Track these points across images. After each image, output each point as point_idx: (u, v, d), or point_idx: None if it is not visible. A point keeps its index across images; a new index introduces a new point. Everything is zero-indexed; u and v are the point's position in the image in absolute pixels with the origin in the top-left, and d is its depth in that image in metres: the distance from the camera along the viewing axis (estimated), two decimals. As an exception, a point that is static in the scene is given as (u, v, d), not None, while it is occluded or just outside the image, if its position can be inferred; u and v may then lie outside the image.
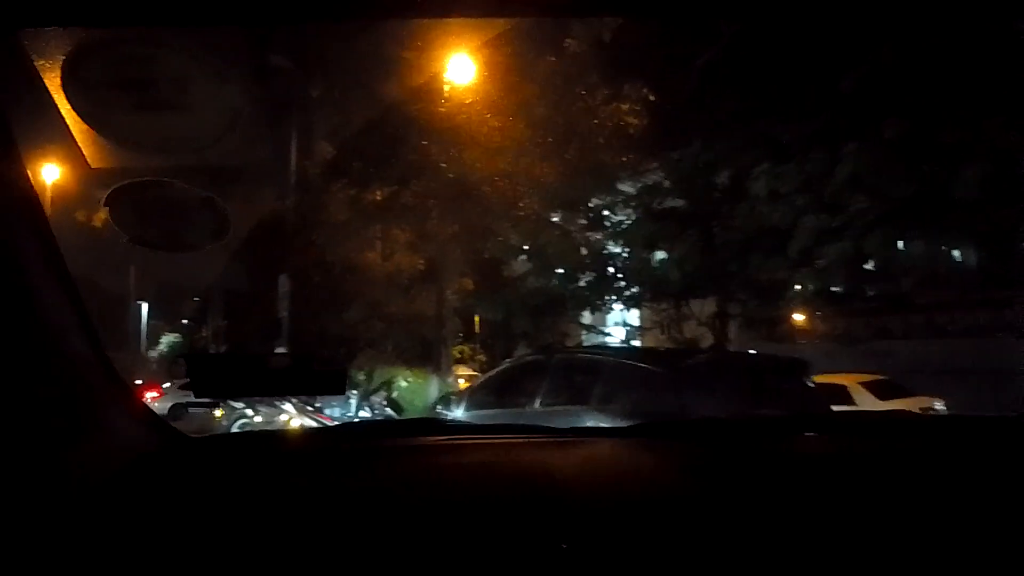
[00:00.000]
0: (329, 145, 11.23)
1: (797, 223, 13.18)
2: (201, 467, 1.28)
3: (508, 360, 11.17)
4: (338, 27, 7.86)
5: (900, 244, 13.07)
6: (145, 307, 24.21)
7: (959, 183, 11.27)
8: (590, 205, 16.20)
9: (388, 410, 10.01)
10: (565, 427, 1.68)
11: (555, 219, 15.21)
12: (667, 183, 16.14)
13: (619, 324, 18.86)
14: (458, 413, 7.00)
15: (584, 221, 16.44)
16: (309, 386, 2.12)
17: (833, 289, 14.18)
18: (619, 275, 17.10)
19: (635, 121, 11.50)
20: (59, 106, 1.28)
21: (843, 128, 12.36)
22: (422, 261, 12.02)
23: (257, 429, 7.55)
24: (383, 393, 10.58)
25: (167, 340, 23.89)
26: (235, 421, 8.40)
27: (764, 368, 5.84)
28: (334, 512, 1.04)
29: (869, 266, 13.77)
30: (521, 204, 11.85)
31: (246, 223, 8.38)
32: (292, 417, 7.91)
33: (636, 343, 17.82)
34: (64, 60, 1.22)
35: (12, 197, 1.02)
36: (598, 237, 16.86)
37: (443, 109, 10.51)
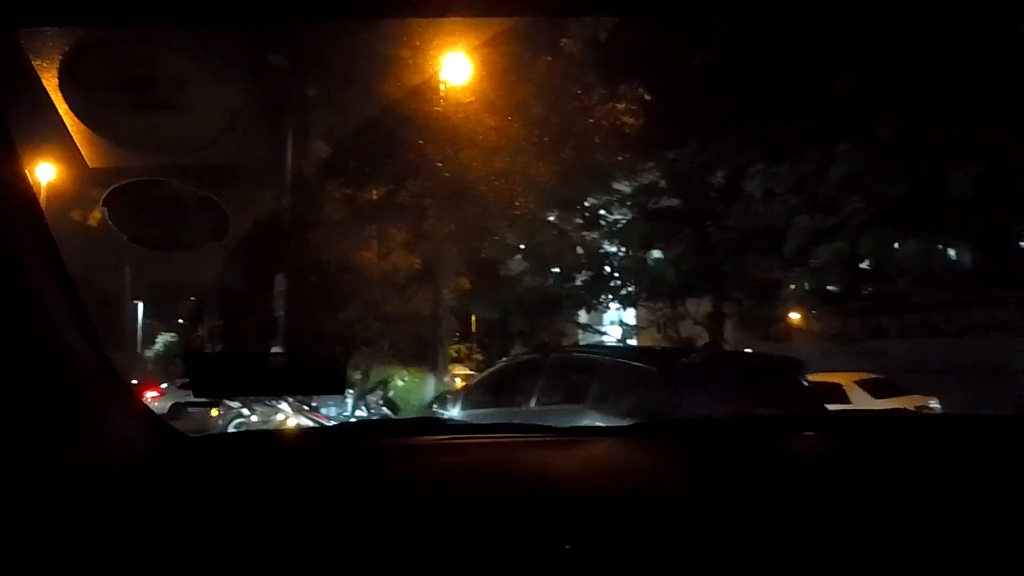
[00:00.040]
0: (325, 144, 11.20)
1: (792, 223, 13.22)
2: (201, 467, 1.29)
3: (504, 359, 11.19)
4: (335, 26, 7.84)
5: (895, 244, 13.10)
6: (140, 306, 24.14)
7: (953, 183, 11.32)
8: (586, 204, 16.21)
9: (384, 409, 10.02)
10: (562, 426, 1.69)
11: (551, 218, 15.17)
12: (663, 183, 16.17)
13: (615, 323, 18.90)
14: (454, 412, 7.00)
15: (580, 220, 16.44)
16: (308, 385, 2.12)
17: (828, 288, 14.23)
18: (615, 274, 17.14)
19: (631, 121, 11.48)
20: (57, 105, 1.28)
21: (838, 128, 12.42)
22: (418, 260, 11.99)
23: (253, 428, 7.54)
24: (379, 392, 10.59)
25: (163, 340, 23.80)
26: (231, 421, 8.38)
27: (759, 367, 5.87)
28: (333, 511, 1.04)
29: (864, 265, 13.81)
30: (517, 203, 11.82)
31: (242, 222, 8.36)
32: (288, 416, 7.90)
33: (632, 342, 17.83)
34: (62, 59, 1.22)
35: (11, 197, 1.02)
36: (594, 236, 16.87)
37: (439, 109, 10.49)
